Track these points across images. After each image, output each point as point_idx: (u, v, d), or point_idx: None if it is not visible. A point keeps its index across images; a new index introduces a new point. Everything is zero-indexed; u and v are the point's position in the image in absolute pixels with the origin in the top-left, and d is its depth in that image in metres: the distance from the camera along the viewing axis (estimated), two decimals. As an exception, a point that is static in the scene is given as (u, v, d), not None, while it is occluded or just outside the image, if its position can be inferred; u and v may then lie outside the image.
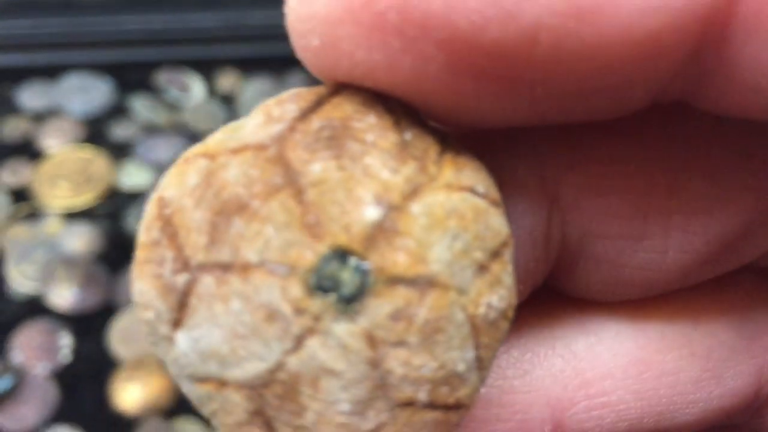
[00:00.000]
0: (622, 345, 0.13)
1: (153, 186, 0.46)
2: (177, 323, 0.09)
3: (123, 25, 0.51)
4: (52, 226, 0.44)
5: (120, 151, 0.48)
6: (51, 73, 0.50)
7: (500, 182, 0.11)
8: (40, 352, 0.40)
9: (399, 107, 0.10)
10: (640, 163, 0.12)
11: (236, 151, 0.09)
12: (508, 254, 0.10)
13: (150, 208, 0.10)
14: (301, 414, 0.09)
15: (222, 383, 0.09)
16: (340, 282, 0.09)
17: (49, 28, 0.50)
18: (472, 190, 0.10)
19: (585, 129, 0.11)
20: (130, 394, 0.39)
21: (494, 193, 0.10)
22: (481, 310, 0.10)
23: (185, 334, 0.09)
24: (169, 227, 0.09)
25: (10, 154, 0.47)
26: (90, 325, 0.41)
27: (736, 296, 0.14)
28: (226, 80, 0.52)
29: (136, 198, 0.46)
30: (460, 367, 0.09)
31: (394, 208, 0.09)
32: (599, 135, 0.12)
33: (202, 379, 0.09)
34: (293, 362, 0.09)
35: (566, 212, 0.12)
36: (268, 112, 0.10)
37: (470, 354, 0.10)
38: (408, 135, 0.10)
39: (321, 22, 0.09)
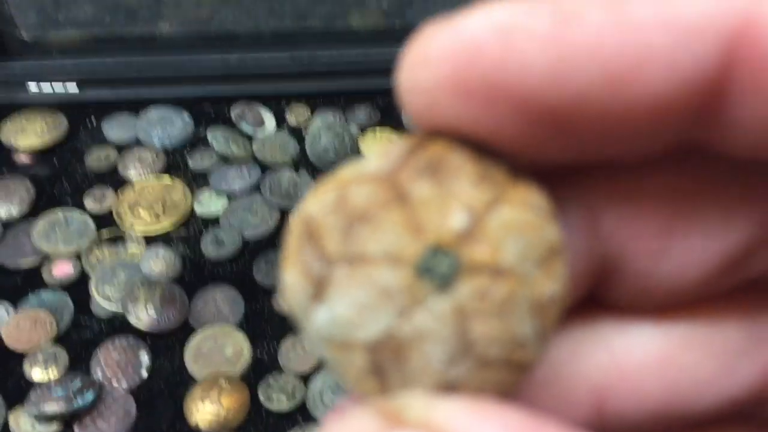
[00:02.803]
0: (652, 344, 0.15)
1: (227, 212, 0.48)
2: (316, 299, 0.12)
3: (201, 63, 0.53)
4: (133, 249, 0.47)
5: (196, 180, 0.50)
6: (134, 107, 0.53)
7: (557, 207, 0.14)
8: (120, 369, 0.42)
9: (482, 146, 0.13)
10: (665, 196, 0.14)
11: (361, 179, 0.13)
12: (563, 254, 0.13)
13: (296, 221, 0.13)
14: (407, 365, 0.12)
15: (349, 344, 0.12)
16: (438, 268, 0.12)
17: (133, 65, 0.53)
18: (536, 207, 0.13)
19: (622, 169, 0.14)
20: (203, 411, 0.40)
21: (553, 209, 0.13)
22: (542, 293, 0.12)
23: (323, 307, 0.12)
24: (311, 233, 0.12)
25: (96, 182, 0.50)
26: (167, 344, 0.43)
27: (747, 305, 0.16)
28: (296, 114, 0.54)
29: (211, 224, 0.48)
30: (526, 334, 0.12)
31: (477, 217, 0.12)
32: (633, 174, 0.14)
33: (333, 342, 0.12)
34: (403, 327, 0.12)
35: (606, 235, 0.15)
36: (385, 152, 0.13)
37: (534, 326, 0.12)
38: (488, 166, 0.13)
39: (424, 89, 0.12)
